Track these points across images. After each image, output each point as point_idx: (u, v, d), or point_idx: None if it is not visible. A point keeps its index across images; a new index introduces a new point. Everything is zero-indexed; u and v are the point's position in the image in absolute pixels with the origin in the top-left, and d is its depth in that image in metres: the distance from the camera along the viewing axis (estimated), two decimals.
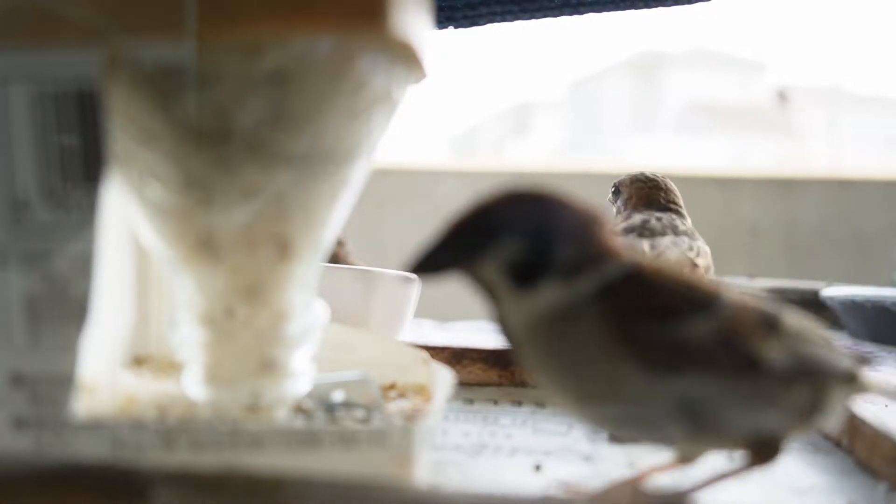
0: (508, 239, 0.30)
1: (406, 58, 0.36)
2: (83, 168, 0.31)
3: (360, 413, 0.41)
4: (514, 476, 0.40)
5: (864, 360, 0.36)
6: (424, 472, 0.33)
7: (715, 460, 0.36)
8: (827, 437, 0.48)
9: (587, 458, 0.43)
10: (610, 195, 0.66)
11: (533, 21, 0.46)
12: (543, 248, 0.30)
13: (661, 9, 0.50)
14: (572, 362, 0.31)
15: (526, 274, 0.30)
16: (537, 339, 0.31)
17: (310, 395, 0.41)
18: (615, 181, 0.65)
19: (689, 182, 1.51)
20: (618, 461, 0.43)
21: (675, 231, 0.60)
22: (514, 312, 0.31)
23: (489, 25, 0.47)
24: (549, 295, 0.31)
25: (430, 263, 0.31)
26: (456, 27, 0.46)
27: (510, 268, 0.30)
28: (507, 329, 0.32)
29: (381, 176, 1.32)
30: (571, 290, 0.31)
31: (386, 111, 0.37)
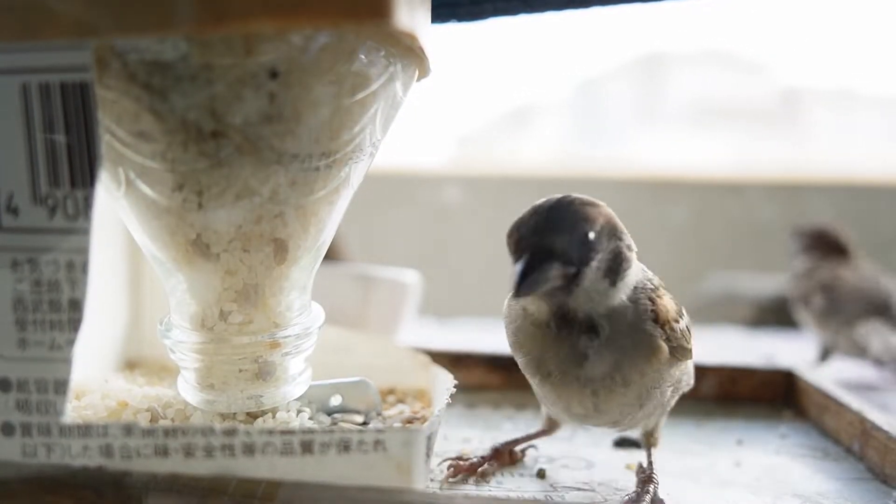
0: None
1: (410, 53, 0.35)
2: (74, 168, 0.30)
3: (358, 418, 0.41)
4: (517, 483, 0.39)
5: None
6: (424, 478, 0.32)
7: None
8: (838, 443, 0.47)
9: (589, 464, 0.42)
10: None
11: (537, 16, 0.45)
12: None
13: (667, 2, 0.49)
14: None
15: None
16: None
17: (307, 399, 0.40)
18: None
19: (697, 186, 1.51)
20: (618, 466, 0.42)
21: None
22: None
23: (492, 20, 0.45)
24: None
25: None
26: (459, 21, 0.45)
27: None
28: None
29: (383, 179, 1.31)
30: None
31: (389, 110, 0.36)
